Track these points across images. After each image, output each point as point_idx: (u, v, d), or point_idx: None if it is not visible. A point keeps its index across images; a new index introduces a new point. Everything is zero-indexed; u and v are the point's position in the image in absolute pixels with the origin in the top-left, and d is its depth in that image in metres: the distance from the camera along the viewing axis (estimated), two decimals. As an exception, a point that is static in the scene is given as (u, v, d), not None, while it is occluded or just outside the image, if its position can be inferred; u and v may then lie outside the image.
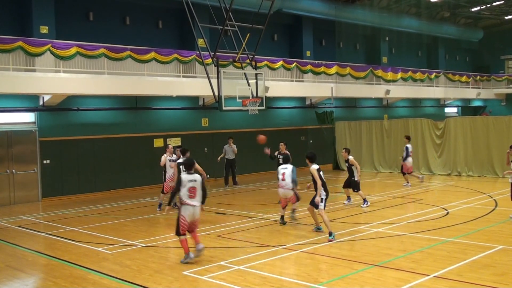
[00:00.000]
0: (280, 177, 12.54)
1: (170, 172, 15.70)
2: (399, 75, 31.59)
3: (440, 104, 37.27)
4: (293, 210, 12.99)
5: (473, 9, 34.49)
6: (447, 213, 13.75)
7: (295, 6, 26.98)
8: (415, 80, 32.90)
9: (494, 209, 14.14)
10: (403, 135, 24.17)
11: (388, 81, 30.71)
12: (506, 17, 36.99)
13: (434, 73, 34.59)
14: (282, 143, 16.30)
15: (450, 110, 39.19)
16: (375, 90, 30.23)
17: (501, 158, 20.96)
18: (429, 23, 35.06)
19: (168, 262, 9.84)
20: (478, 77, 38.73)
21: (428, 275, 8.26)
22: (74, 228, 13.42)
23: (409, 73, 32.40)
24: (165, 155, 16.03)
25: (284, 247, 10.55)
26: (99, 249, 11.00)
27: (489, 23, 39.51)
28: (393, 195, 17.36)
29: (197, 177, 9.61)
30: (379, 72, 30.34)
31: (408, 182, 19.31)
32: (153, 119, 22.10)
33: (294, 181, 12.44)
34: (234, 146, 21.35)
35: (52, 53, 17.90)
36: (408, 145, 19.53)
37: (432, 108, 36.61)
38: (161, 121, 22.29)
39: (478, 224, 12.26)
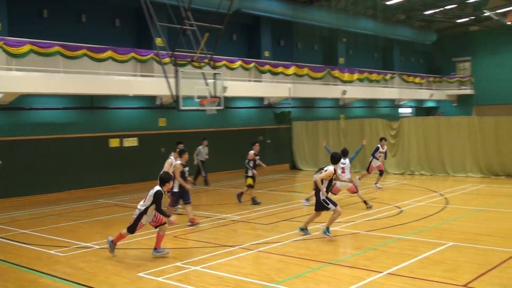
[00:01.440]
0: (340, 170, 13.90)
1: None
2: (356, 76, 32.14)
3: (394, 104, 38.12)
4: (366, 202, 14.72)
5: (427, 12, 35.39)
6: (401, 211, 14.08)
7: (254, 6, 27.06)
8: (371, 81, 33.53)
9: (445, 207, 14.57)
10: (359, 135, 24.66)
11: (344, 82, 31.20)
12: (458, 21, 38.11)
13: (389, 74, 35.35)
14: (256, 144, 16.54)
15: (405, 111, 40.11)
16: (332, 91, 30.65)
17: (453, 157, 21.63)
18: (385, 25, 35.81)
19: (124, 264, 9.72)
20: (431, 79, 39.81)
21: (381, 272, 8.45)
22: (25, 231, 13.09)
23: (365, 74, 33.00)
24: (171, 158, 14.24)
25: (241, 246, 10.59)
26: (51, 251, 10.77)
27: (442, 26, 40.64)
28: (350, 193, 17.62)
29: (152, 190, 9.78)
30: (336, 73, 30.78)
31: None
32: (109, 119, 21.78)
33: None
34: (207, 148, 21.25)
35: (3, 50, 17.40)
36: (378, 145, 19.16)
37: (387, 109, 37.41)
38: (117, 121, 21.98)
39: (430, 221, 12.61)
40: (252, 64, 25.71)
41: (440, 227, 12.00)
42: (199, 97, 17.20)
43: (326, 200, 10.93)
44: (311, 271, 8.74)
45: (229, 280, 8.35)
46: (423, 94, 38.69)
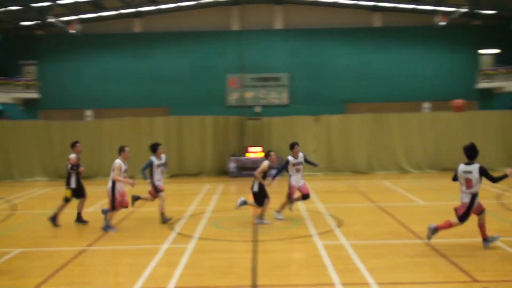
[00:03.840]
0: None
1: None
2: None
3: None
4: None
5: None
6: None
7: None
8: None
9: (13, 213, 14.29)
10: None
11: None
12: (22, 23, 37.67)
13: None
14: None
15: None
16: None
17: (20, 162, 21.37)
18: None
19: None
20: (-4, 81, 38.17)
21: None
22: None
23: None
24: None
25: None
26: None
27: (7, 27, 39.36)
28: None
29: None
30: None
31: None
32: None
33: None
34: None
35: None
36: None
37: None
38: None
39: (-3, 230, 12.17)
40: None
41: (7, 234, 11.71)
42: None
43: None
44: None
45: None
46: (-14, 95, 36.74)
